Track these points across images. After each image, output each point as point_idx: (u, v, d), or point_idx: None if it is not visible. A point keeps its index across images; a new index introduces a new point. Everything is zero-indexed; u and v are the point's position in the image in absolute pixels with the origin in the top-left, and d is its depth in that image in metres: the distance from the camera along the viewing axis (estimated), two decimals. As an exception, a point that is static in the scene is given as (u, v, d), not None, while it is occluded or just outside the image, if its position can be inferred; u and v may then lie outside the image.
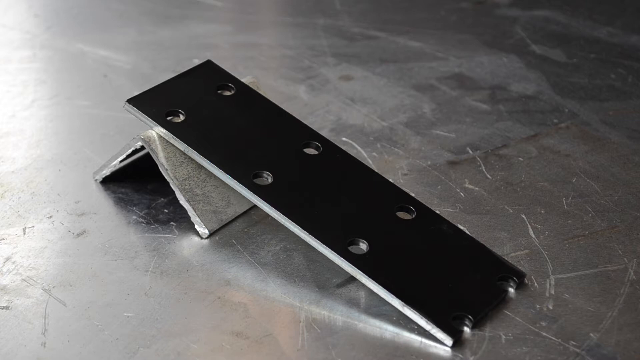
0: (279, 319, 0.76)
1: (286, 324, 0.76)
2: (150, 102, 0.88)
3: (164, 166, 0.85)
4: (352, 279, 0.79)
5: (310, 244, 0.80)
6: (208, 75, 0.93)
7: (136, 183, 0.93)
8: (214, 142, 0.86)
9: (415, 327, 0.75)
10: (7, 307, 0.77)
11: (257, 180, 0.84)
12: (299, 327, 0.75)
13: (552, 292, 0.79)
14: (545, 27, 1.33)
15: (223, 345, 0.73)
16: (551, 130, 1.05)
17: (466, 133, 1.04)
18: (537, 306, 0.77)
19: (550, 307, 0.77)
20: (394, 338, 0.75)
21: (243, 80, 0.94)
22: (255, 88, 0.94)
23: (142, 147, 0.87)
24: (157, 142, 0.86)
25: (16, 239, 0.85)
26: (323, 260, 0.81)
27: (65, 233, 0.86)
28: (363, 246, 0.80)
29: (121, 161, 0.91)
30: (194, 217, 0.85)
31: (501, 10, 1.39)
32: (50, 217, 0.88)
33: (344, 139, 1.02)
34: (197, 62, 1.00)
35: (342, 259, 0.78)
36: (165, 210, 0.89)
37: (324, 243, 0.79)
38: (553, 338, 0.74)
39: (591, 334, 0.74)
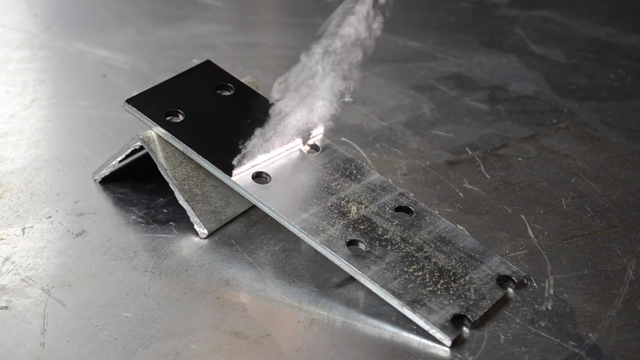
0: (278, 319, 0.76)
1: (285, 324, 0.76)
2: (150, 102, 0.88)
3: (163, 166, 0.85)
4: (351, 279, 0.79)
5: (310, 244, 0.80)
6: (207, 75, 0.93)
7: (135, 183, 0.93)
8: (213, 142, 0.86)
9: (414, 327, 0.75)
10: (6, 307, 0.77)
11: (257, 180, 0.84)
12: (298, 327, 0.75)
13: (551, 292, 0.79)
14: (545, 27, 1.33)
15: (222, 345, 0.73)
16: (550, 131, 1.05)
17: (465, 133, 1.04)
18: (536, 306, 0.77)
19: (549, 307, 0.77)
20: (393, 338, 0.75)
21: (242, 80, 0.94)
22: (254, 88, 0.94)
23: (141, 147, 0.87)
24: (156, 142, 0.86)
25: (15, 239, 0.85)
26: (322, 261, 0.81)
27: (64, 233, 0.86)
28: (362, 246, 0.80)
29: (120, 161, 0.91)
30: (193, 217, 0.85)
31: (500, 10, 1.39)
32: (50, 217, 0.88)
33: (343, 139, 1.02)
34: (196, 62, 1.00)
35: (341, 259, 0.78)
36: (165, 211, 0.89)
37: (322, 243, 0.79)
38: (552, 338, 0.74)
39: (590, 334, 0.74)
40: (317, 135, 0.90)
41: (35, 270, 0.81)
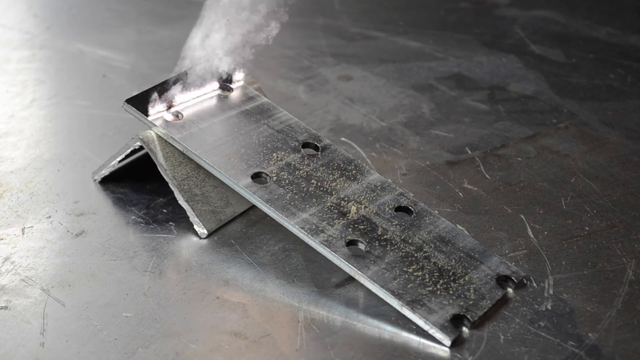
0: (278, 319, 0.76)
1: (285, 324, 0.76)
2: (149, 102, 0.88)
3: (162, 166, 0.85)
4: (351, 279, 0.79)
5: (310, 244, 0.80)
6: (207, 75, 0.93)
7: (135, 183, 0.93)
8: (213, 143, 0.86)
9: (414, 327, 0.75)
10: (5, 307, 0.77)
11: (256, 181, 0.84)
12: (297, 327, 0.75)
13: (551, 292, 0.79)
14: (544, 27, 1.33)
15: (222, 345, 0.73)
16: (550, 130, 1.05)
17: (465, 133, 1.04)
18: (536, 306, 0.77)
19: (549, 307, 0.77)
20: (393, 338, 0.75)
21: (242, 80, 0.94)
22: (254, 88, 0.94)
23: (141, 147, 0.87)
24: (156, 142, 0.86)
25: (15, 239, 0.85)
26: (321, 261, 0.81)
27: (64, 233, 0.86)
28: (361, 246, 0.80)
29: (120, 161, 0.91)
30: (192, 217, 0.85)
31: (500, 10, 1.39)
32: (49, 217, 0.88)
33: (343, 139, 1.02)
34: (196, 62, 1.00)
35: (341, 259, 0.78)
36: (164, 211, 0.89)
37: (322, 243, 0.79)
38: (552, 338, 0.74)
39: (590, 334, 0.74)
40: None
41: (35, 270, 0.81)
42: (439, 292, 0.77)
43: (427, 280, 0.77)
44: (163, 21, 1.33)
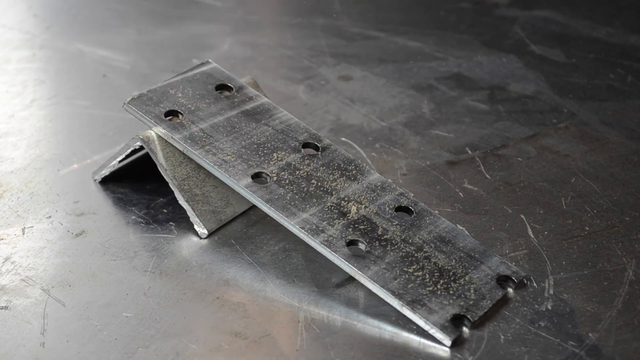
0: (278, 319, 0.76)
1: (285, 324, 0.76)
2: (150, 102, 0.88)
3: (163, 166, 0.85)
4: (351, 279, 0.79)
5: (310, 244, 0.80)
6: (207, 75, 0.93)
7: (135, 183, 0.93)
8: (213, 142, 0.86)
9: (414, 327, 0.75)
10: (6, 307, 0.77)
11: (256, 181, 0.84)
12: (297, 327, 0.75)
13: (551, 292, 0.79)
14: (544, 27, 1.33)
15: (222, 345, 0.73)
16: (550, 130, 1.05)
17: (465, 133, 1.04)
18: (536, 306, 0.77)
19: (549, 307, 0.77)
20: (393, 338, 0.75)
21: (242, 80, 0.94)
22: (254, 88, 0.94)
23: (141, 147, 0.87)
24: (156, 142, 0.86)
25: (15, 239, 0.85)
26: (322, 261, 0.81)
27: (64, 233, 0.86)
28: (362, 246, 0.80)
29: (120, 161, 0.91)
30: (193, 217, 0.85)
31: (500, 10, 1.39)
32: (49, 217, 0.88)
33: (343, 139, 1.02)
34: (196, 62, 1.00)
35: (341, 259, 0.78)
36: (164, 211, 0.89)
37: (322, 243, 0.79)
38: (552, 338, 0.74)
39: (590, 334, 0.74)
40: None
41: (35, 270, 0.81)
42: (439, 292, 0.77)
43: (428, 280, 0.78)
44: (163, 21, 1.33)
